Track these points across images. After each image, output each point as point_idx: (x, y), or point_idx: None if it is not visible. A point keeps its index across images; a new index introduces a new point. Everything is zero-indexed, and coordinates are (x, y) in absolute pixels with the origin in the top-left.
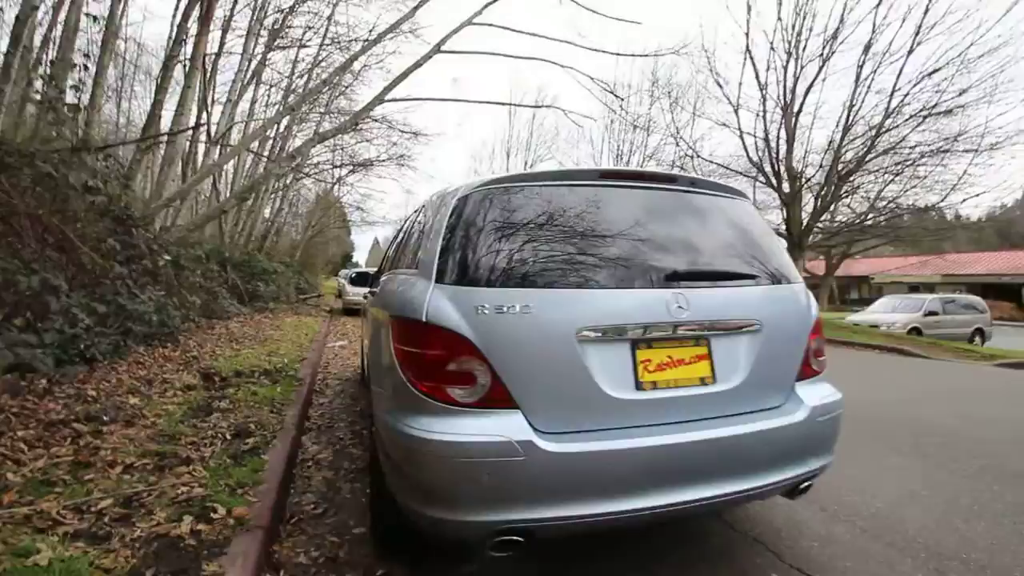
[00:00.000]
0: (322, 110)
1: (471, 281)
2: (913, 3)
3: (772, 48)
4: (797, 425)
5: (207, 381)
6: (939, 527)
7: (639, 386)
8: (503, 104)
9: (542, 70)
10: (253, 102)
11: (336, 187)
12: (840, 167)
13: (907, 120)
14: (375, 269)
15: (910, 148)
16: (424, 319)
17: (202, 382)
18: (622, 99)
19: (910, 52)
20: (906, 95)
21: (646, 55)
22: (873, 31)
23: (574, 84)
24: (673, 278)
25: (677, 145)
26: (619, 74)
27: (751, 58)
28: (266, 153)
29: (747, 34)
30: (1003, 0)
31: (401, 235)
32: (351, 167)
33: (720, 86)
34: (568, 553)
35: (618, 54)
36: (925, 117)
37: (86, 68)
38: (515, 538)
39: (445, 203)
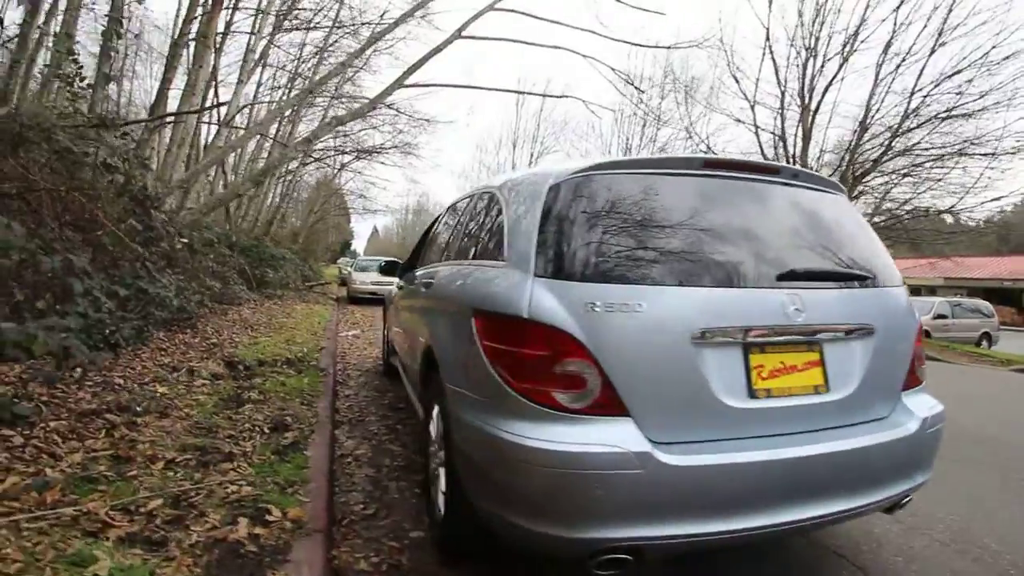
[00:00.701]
0: (331, 95)
1: (578, 276)
2: (938, 2)
3: (791, 45)
4: (910, 438)
5: (232, 370)
6: (1022, 542)
7: (753, 394)
8: (521, 92)
9: (550, 61)
10: (259, 85)
11: (339, 174)
12: (856, 167)
13: (927, 122)
14: (402, 260)
15: (925, 150)
16: (526, 315)
17: (228, 371)
18: (643, 91)
19: (932, 53)
20: (925, 96)
21: (668, 47)
22: (894, 30)
23: (584, 76)
24: (787, 277)
25: (690, 138)
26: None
27: (771, 54)
28: (274, 136)
29: (767, 29)
30: None
31: (446, 225)
32: (356, 154)
33: (737, 81)
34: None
35: (642, 45)
36: (944, 119)
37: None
38: (623, 556)
39: (534, 191)
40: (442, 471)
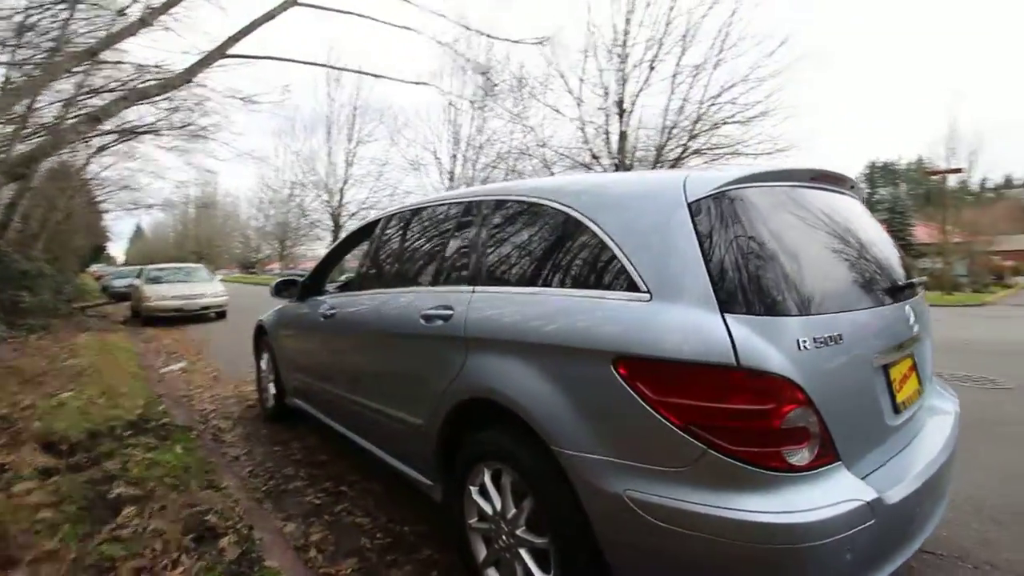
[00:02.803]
0: (89, 62)
1: (780, 308)
2: (722, 24)
3: (609, 51)
4: (956, 420)
5: (61, 455)
6: None
7: (896, 408)
8: (376, 76)
9: (364, 44)
10: None
11: (90, 160)
12: (663, 165)
13: (712, 127)
14: (303, 276)
15: (710, 149)
16: (740, 362)
17: (56, 458)
18: (496, 84)
19: (716, 67)
20: (711, 104)
21: (515, 41)
22: (684, 48)
23: (400, 60)
24: (898, 290)
25: (525, 130)
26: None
27: (596, 57)
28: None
29: (589, 34)
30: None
31: (405, 240)
32: (119, 134)
33: (564, 81)
34: None
35: (495, 37)
36: (723, 125)
37: None
38: None
39: (662, 206)
40: (527, 558)
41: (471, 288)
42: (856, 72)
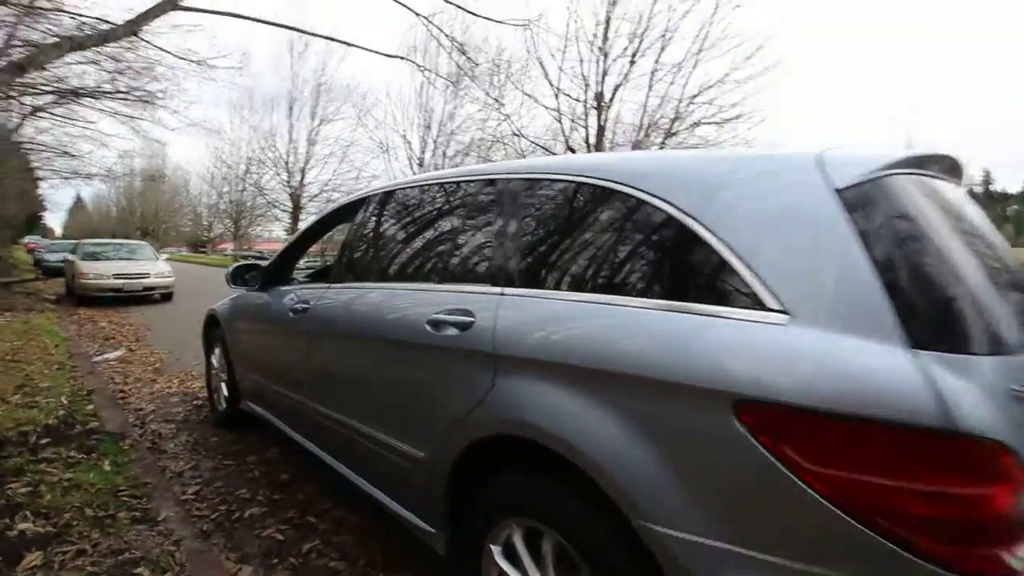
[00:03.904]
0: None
1: (983, 345)
2: (703, 23)
3: (591, 44)
4: None
5: None
6: None
7: None
8: (348, 44)
9: (333, 15)
10: None
11: (22, 123)
12: None
13: (691, 126)
14: (264, 260)
15: (690, 148)
16: (949, 424)
17: None
18: (477, 64)
19: (694, 67)
20: (689, 104)
21: (499, 21)
22: (663, 46)
23: (372, 34)
24: None
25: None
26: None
27: (578, 45)
28: None
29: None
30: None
31: (402, 226)
32: (57, 95)
33: (544, 69)
34: None
35: (476, 15)
36: (700, 125)
37: None
38: None
39: (797, 190)
40: None
41: (498, 290)
42: (825, 79)
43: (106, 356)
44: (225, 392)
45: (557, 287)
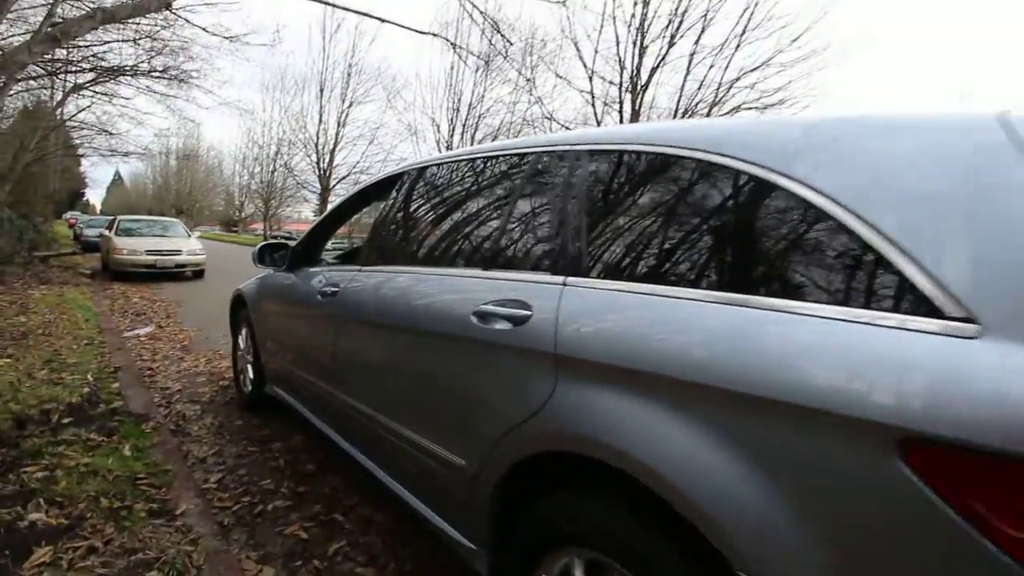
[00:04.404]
0: None
1: None
2: (746, 3)
3: (627, 24)
4: None
5: None
6: None
7: None
8: (381, 20)
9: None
10: None
11: (65, 101)
12: None
13: (731, 111)
14: (295, 241)
15: None
16: None
17: None
18: (511, 43)
19: (737, 48)
20: (728, 89)
21: None
22: (704, 26)
23: (403, 15)
24: None
25: (530, 100)
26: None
27: (615, 25)
28: None
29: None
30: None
31: (456, 202)
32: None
33: (578, 50)
34: None
35: None
36: (738, 110)
37: None
38: None
39: (1000, 162)
40: None
41: (559, 279)
42: (875, 66)
43: (136, 332)
44: (251, 375)
45: (640, 278)
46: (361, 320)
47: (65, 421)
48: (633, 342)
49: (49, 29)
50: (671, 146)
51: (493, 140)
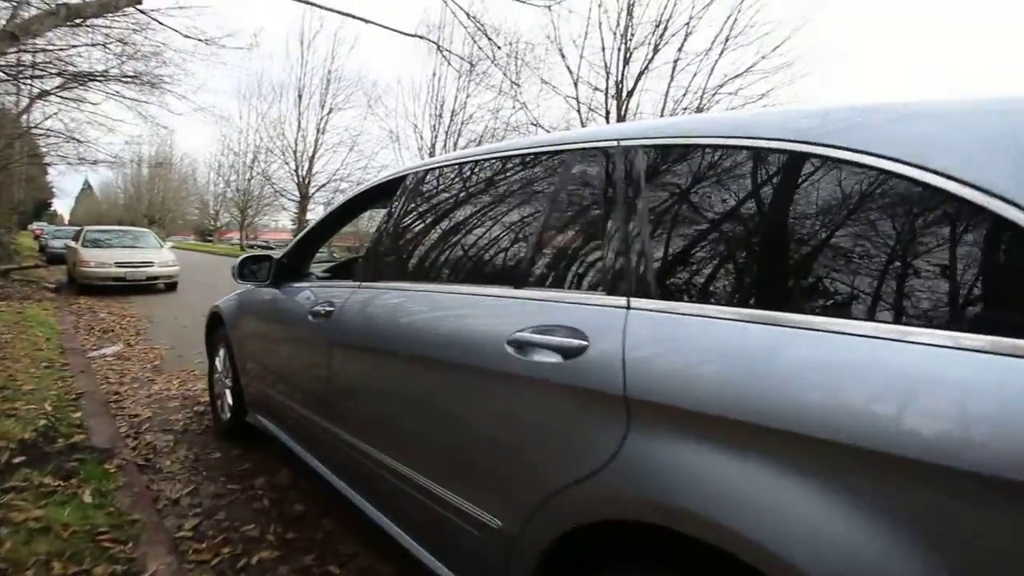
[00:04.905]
0: None
1: None
2: (729, 11)
3: (612, 30)
4: None
5: None
6: None
7: None
8: (365, 21)
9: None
10: None
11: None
12: None
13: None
14: (280, 253)
15: None
16: None
17: None
18: (499, 47)
19: (721, 54)
20: (713, 95)
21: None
22: (687, 33)
23: (378, 28)
24: None
25: (515, 106)
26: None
27: (600, 31)
28: None
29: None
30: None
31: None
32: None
33: (563, 56)
34: None
35: None
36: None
37: None
38: None
39: None
40: None
41: (620, 301)
42: (858, 71)
43: (103, 352)
44: (230, 401)
45: (734, 301)
46: (363, 346)
47: (16, 461)
48: (741, 386)
49: (3, 25)
50: (762, 138)
51: (476, 146)
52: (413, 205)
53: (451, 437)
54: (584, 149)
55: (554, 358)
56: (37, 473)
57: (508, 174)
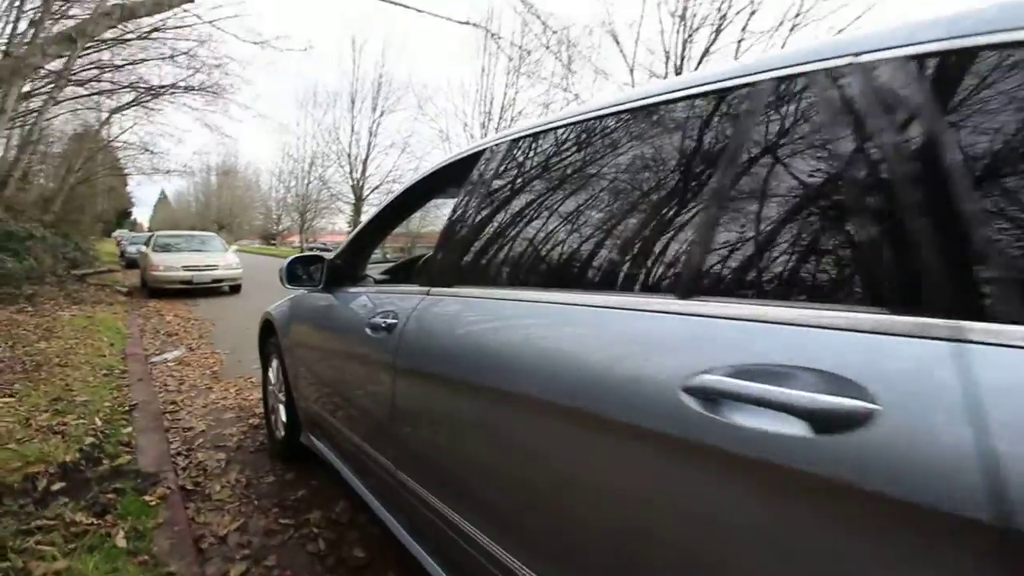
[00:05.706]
0: None
1: None
2: None
3: (671, 13)
4: None
5: None
6: None
7: None
8: (419, 11)
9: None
10: None
11: (108, 121)
12: None
13: None
14: (332, 253)
15: None
16: None
17: None
18: (555, 31)
19: (792, 30)
20: None
21: None
22: (752, 12)
23: (425, 30)
24: None
25: (567, 92)
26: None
27: (659, 14)
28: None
29: None
30: None
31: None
32: (136, 94)
33: (617, 42)
34: None
35: None
36: None
37: None
38: None
39: None
40: None
41: (943, 324)
42: None
43: (164, 356)
44: (283, 418)
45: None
46: (440, 375)
47: (55, 488)
48: None
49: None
50: None
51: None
52: (496, 187)
53: (579, 518)
54: (783, 78)
55: (792, 427)
56: (72, 506)
57: (655, 128)
